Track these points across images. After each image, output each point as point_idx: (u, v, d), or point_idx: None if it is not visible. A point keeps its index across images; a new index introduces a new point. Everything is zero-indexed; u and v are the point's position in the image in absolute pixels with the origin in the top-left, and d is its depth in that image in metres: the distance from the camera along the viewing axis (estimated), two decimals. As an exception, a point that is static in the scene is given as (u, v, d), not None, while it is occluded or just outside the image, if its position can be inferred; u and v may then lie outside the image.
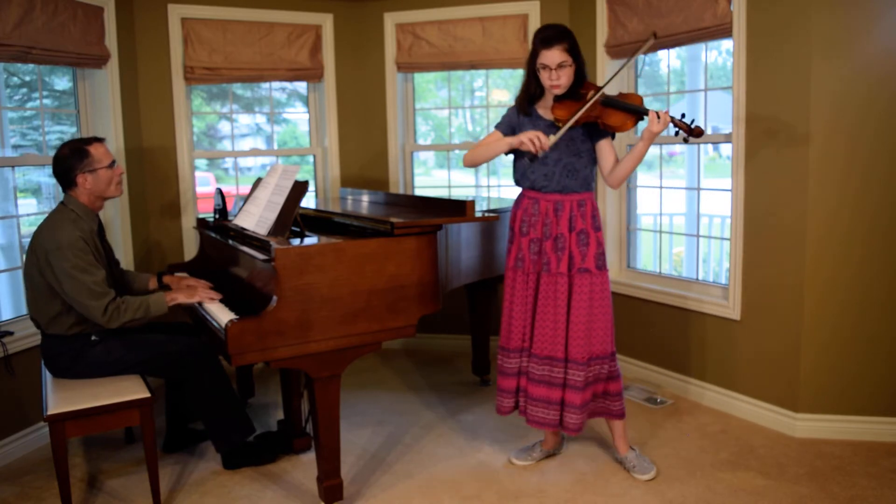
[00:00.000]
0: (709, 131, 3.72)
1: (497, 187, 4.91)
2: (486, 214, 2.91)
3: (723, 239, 4.22)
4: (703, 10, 3.27)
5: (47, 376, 2.72)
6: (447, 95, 4.61)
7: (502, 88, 5.03)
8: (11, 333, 3.08)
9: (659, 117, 2.50)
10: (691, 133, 2.55)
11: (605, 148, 2.69)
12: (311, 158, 4.57)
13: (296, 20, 4.22)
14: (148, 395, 2.56)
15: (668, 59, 3.83)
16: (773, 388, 3.20)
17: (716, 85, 3.73)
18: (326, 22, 4.30)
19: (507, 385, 2.81)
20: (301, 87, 4.71)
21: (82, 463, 3.03)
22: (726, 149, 4.14)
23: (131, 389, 2.58)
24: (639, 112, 2.56)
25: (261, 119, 5.62)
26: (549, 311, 2.69)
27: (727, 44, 3.52)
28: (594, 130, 2.68)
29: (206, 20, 4.02)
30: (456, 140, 4.74)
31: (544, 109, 2.71)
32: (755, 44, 3.10)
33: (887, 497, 2.57)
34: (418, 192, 4.58)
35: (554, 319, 2.69)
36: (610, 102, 2.59)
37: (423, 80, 4.80)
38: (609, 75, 3.65)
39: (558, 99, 2.64)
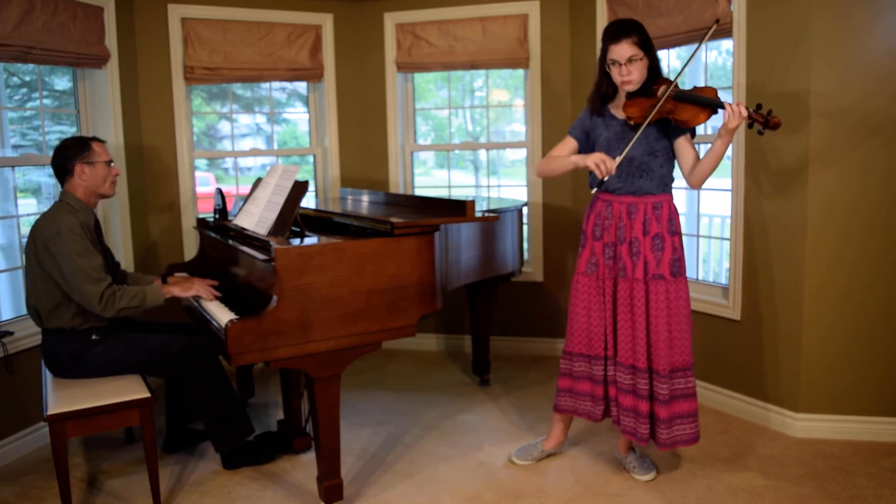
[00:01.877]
0: (709, 131, 3.72)
1: (497, 187, 4.91)
2: (486, 214, 2.91)
3: (723, 239, 4.22)
4: (703, 10, 3.27)
5: (47, 376, 2.72)
6: (447, 95, 4.61)
7: (502, 88, 5.03)
8: (11, 333, 3.08)
9: (734, 111, 2.35)
10: (767, 126, 2.38)
11: (683, 147, 2.55)
12: (311, 158, 4.57)
13: (296, 20, 4.22)
14: (148, 395, 2.56)
15: (668, 59, 3.83)
16: (773, 388, 3.20)
17: (716, 85, 3.72)
18: (326, 22, 4.30)
19: (597, 391, 2.71)
20: (301, 87, 4.71)
21: (82, 463, 3.03)
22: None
23: (131, 389, 2.58)
24: (712, 105, 2.41)
25: (261, 119, 5.62)
26: (628, 319, 2.60)
27: (727, 44, 3.52)
28: (670, 128, 2.54)
29: (206, 20, 4.02)
30: (456, 140, 4.74)
31: (617, 108, 2.60)
32: (755, 44, 3.10)
33: (887, 497, 2.57)
34: (418, 192, 4.59)
35: (632, 327, 2.60)
36: (682, 97, 2.46)
37: (423, 80, 4.80)
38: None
39: (630, 96, 2.53)
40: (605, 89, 2.59)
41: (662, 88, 2.48)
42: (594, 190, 2.56)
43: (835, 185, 2.95)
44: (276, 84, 4.71)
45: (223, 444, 2.83)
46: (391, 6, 4.30)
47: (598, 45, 3.81)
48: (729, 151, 3.31)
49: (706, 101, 2.42)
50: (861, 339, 3.01)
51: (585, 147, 2.67)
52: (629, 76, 2.47)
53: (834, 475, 2.74)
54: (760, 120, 2.39)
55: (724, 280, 3.98)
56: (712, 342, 3.45)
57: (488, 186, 4.75)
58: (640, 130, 2.46)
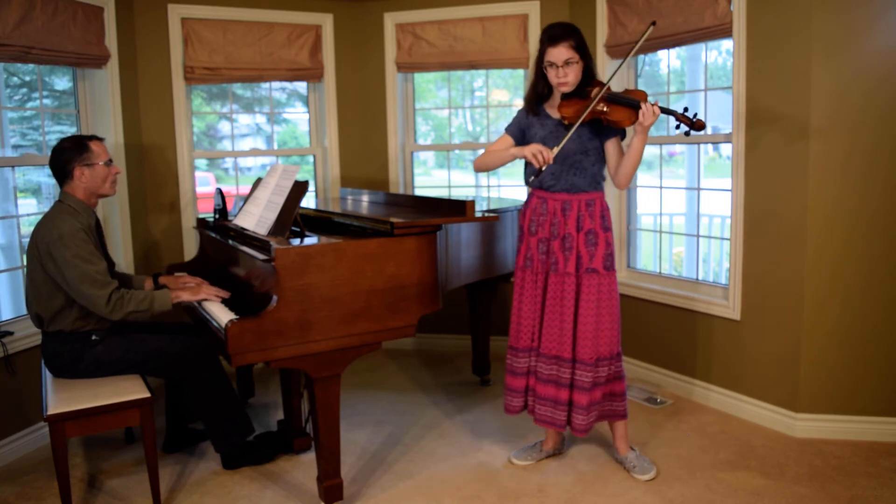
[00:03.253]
0: (709, 131, 3.72)
1: (497, 187, 4.91)
2: (486, 214, 2.91)
3: (723, 239, 4.22)
4: (703, 10, 3.27)
5: (47, 376, 2.72)
6: (447, 95, 4.61)
7: (502, 88, 5.03)
8: (11, 333, 3.08)
9: (648, 110, 2.47)
10: (693, 126, 2.52)
11: (611, 148, 2.67)
12: (311, 158, 4.57)
13: (296, 20, 4.22)
14: (148, 395, 2.56)
15: (668, 59, 3.83)
16: (773, 388, 3.20)
17: (716, 85, 3.73)
18: (326, 22, 4.30)
19: (516, 384, 2.82)
20: (301, 87, 4.71)
21: (82, 463, 3.03)
22: (726, 149, 4.14)
23: (131, 389, 2.58)
24: (635, 105, 2.53)
25: (261, 119, 5.61)
26: (556, 311, 2.69)
27: (727, 44, 3.52)
28: (601, 128, 2.65)
29: (206, 20, 4.02)
30: (456, 140, 4.74)
31: (552, 108, 2.70)
32: (755, 44, 3.10)
33: (887, 497, 2.57)
34: (418, 192, 4.58)
35: (560, 319, 2.69)
36: (613, 98, 2.57)
37: (423, 80, 4.80)
38: (609, 74, 3.65)
39: (565, 97, 2.62)
40: (541, 89, 2.69)
41: (596, 90, 2.58)
42: (531, 180, 2.65)
43: (835, 184, 2.95)
44: (276, 84, 4.71)
45: (223, 444, 2.83)
46: (391, 6, 4.30)
47: (597, 46, 3.83)
48: (728, 151, 3.31)
49: (631, 102, 2.55)
50: (861, 339, 3.01)
51: (521, 144, 2.75)
52: (565, 78, 2.57)
53: (834, 475, 2.74)
54: (686, 121, 2.53)
55: (724, 280, 3.98)
56: (712, 342, 3.45)
57: (488, 186, 4.75)
58: (573, 129, 2.55)
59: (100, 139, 2.74)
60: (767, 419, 3.22)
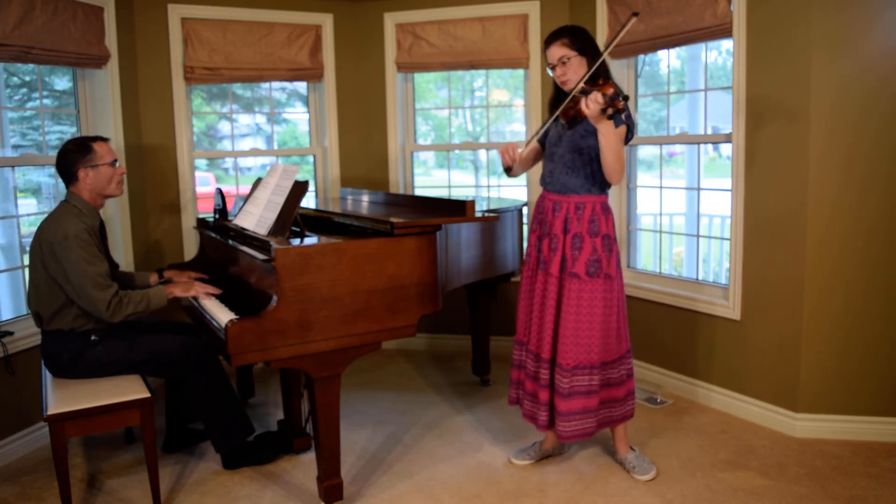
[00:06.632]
0: (709, 131, 3.72)
1: (497, 187, 4.91)
2: (486, 214, 2.91)
3: (723, 239, 4.22)
4: (703, 9, 3.27)
5: (47, 376, 2.72)
6: (447, 95, 4.61)
7: (502, 88, 5.03)
8: (11, 333, 3.08)
9: (589, 98, 2.32)
10: (613, 107, 2.27)
11: (598, 143, 2.56)
12: (311, 158, 4.57)
13: (296, 20, 4.22)
14: (148, 395, 2.56)
15: (668, 59, 3.83)
16: (773, 388, 3.20)
17: (716, 85, 3.72)
18: (326, 22, 4.30)
19: (513, 376, 2.88)
20: (301, 87, 4.71)
21: (82, 463, 3.03)
22: (726, 149, 4.14)
23: (131, 389, 2.58)
24: (583, 95, 2.38)
25: (261, 119, 5.61)
26: (539, 310, 2.73)
27: (727, 44, 3.52)
28: (589, 124, 2.57)
29: (206, 20, 4.02)
30: (456, 140, 4.74)
31: None
32: (755, 44, 3.10)
33: (887, 497, 2.57)
34: (418, 192, 4.58)
35: (541, 318, 2.71)
36: (584, 91, 2.46)
37: (423, 80, 4.80)
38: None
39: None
40: (555, 94, 2.71)
41: (579, 86, 2.48)
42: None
43: (835, 184, 2.95)
44: (276, 84, 4.71)
45: (223, 443, 2.83)
46: (391, 6, 4.30)
47: (599, 44, 3.83)
48: (728, 151, 3.31)
49: (583, 92, 2.42)
50: (861, 339, 3.01)
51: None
52: (563, 76, 2.59)
53: (834, 475, 2.74)
54: (613, 107, 2.32)
55: (724, 280, 3.98)
56: (712, 342, 3.45)
57: (488, 186, 4.75)
58: (547, 123, 2.58)
59: (104, 140, 2.74)
60: (767, 419, 3.22)
